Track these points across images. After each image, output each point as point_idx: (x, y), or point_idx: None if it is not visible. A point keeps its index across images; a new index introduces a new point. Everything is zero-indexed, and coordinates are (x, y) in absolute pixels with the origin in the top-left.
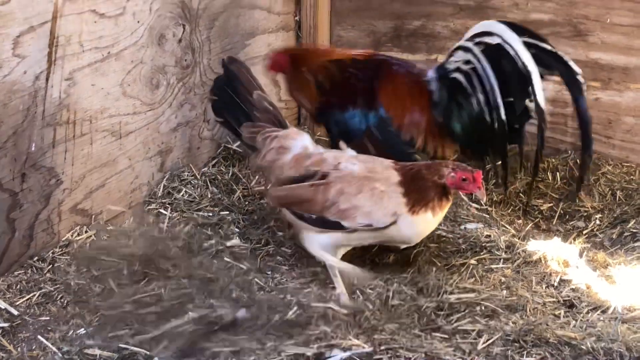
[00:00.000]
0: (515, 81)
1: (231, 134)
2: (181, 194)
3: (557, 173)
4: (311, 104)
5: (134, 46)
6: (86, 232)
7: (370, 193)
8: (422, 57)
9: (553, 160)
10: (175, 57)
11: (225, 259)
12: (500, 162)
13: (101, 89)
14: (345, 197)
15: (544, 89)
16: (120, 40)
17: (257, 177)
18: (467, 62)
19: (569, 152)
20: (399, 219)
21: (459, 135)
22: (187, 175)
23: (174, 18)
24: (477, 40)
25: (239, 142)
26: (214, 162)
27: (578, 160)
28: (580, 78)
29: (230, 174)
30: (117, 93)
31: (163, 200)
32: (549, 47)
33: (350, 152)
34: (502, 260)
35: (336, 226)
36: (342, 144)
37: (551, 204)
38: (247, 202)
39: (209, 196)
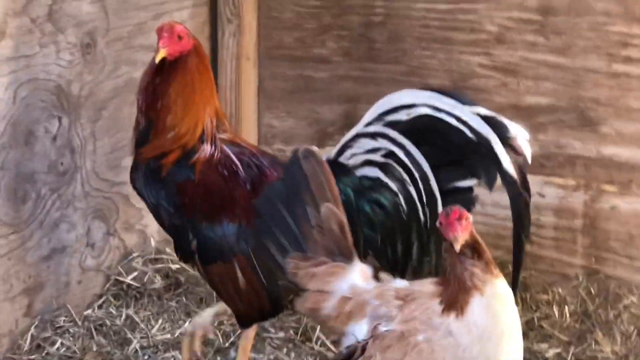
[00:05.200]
0: (469, 153)
1: (272, 265)
2: (55, 347)
3: (566, 307)
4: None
5: None
6: None
7: (417, 354)
8: None
9: (559, 290)
10: (48, 161)
11: None
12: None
13: None
14: None
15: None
16: None
17: (160, 322)
18: (375, 150)
19: (580, 278)
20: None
21: (367, 249)
22: (64, 320)
23: (47, 108)
24: (388, 119)
25: (134, 275)
26: (100, 301)
27: (592, 290)
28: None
29: (123, 318)
30: None
31: (31, 357)
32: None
33: (398, 284)
34: None
35: None
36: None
37: (558, 350)
38: (147, 357)
39: (95, 349)
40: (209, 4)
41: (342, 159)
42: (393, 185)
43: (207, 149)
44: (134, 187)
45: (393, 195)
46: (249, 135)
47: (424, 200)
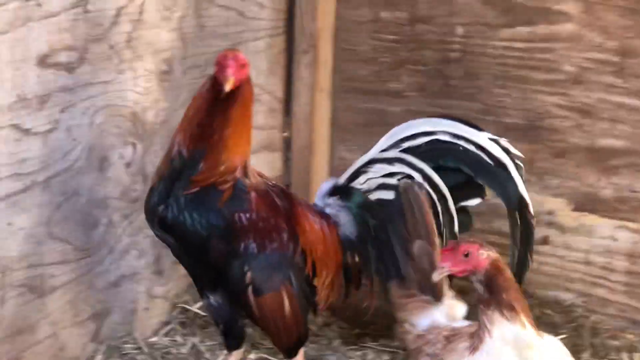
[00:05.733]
0: (485, 175)
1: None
2: None
3: (636, 354)
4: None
5: (67, 172)
6: None
7: None
8: None
9: (629, 335)
10: (121, 187)
11: None
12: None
13: (20, 230)
14: None
15: None
16: (50, 165)
17: (225, 352)
18: (392, 174)
19: None
20: None
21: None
22: (130, 347)
23: (122, 135)
24: (405, 145)
25: (201, 304)
26: (167, 329)
27: None
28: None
29: (189, 347)
30: (40, 235)
31: None
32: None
33: (458, 323)
34: None
35: None
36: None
37: None
38: None
39: None
40: (286, 34)
41: (355, 184)
42: None
43: (252, 178)
44: (162, 219)
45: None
46: (321, 166)
47: (441, 221)
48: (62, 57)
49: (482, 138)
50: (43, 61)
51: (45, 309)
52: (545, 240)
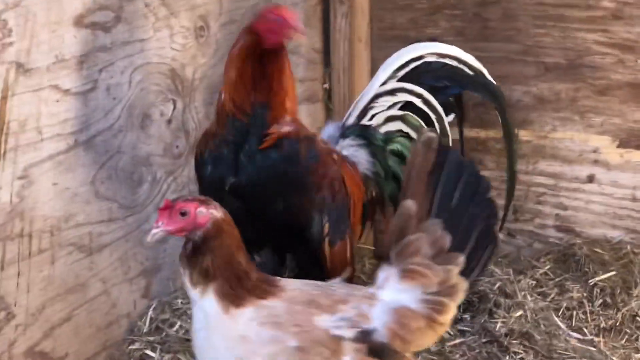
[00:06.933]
0: (471, 85)
1: None
2: (174, 328)
3: None
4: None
5: (108, 131)
6: None
7: None
8: (495, 134)
9: None
10: (163, 144)
11: None
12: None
13: (66, 190)
14: None
15: None
16: (91, 124)
17: None
18: (394, 105)
19: None
20: None
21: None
22: (182, 302)
23: (162, 92)
24: (401, 74)
25: None
26: None
27: None
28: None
29: None
30: (87, 194)
31: (150, 338)
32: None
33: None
34: None
35: None
36: None
37: None
38: None
39: None
40: None
41: (364, 121)
42: (412, 133)
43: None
44: (234, 185)
45: (413, 144)
46: None
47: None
48: (98, 17)
49: (461, 52)
50: (79, 21)
51: (95, 267)
52: (591, 179)
